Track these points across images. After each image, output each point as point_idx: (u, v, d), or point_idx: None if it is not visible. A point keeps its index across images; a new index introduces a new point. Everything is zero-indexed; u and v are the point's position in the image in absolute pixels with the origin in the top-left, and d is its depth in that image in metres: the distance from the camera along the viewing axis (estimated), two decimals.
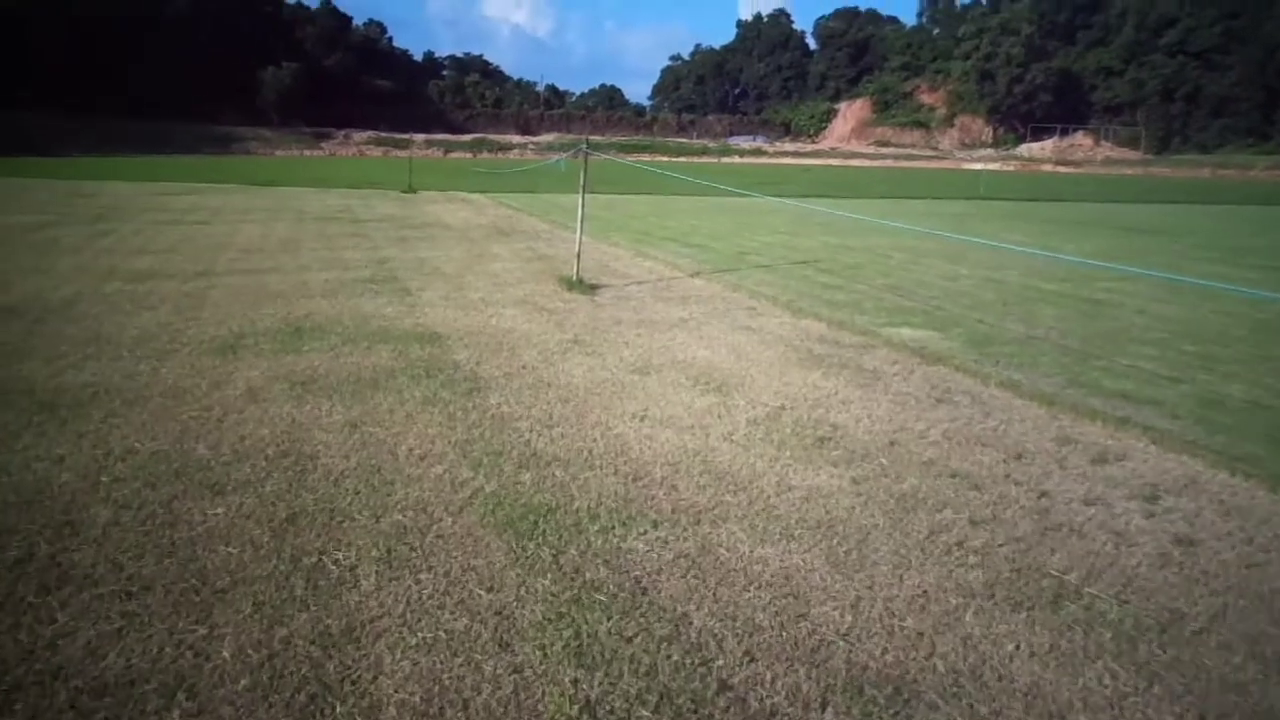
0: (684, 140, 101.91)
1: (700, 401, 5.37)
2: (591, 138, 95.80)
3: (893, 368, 6.29)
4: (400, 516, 3.71)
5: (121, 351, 6.26)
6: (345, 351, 6.40)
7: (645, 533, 3.60)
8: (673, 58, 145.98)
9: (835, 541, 3.56)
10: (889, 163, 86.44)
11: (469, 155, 77.68)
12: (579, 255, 9.29)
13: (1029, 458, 4.53)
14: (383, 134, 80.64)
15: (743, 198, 25.56)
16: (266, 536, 3.49)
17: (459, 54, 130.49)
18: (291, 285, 9.06)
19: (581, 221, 9.20)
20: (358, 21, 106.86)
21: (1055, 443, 4.77)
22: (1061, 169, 77.81)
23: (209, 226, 14.63)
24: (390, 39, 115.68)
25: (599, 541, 3.51)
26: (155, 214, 16.81)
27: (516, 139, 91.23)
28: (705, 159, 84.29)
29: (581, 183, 9.07)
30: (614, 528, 3.64)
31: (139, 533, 3.50)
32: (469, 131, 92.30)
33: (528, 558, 3.37)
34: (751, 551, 3.46)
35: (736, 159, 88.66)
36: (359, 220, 16.51)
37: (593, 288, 9.14)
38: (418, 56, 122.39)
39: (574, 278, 9.23)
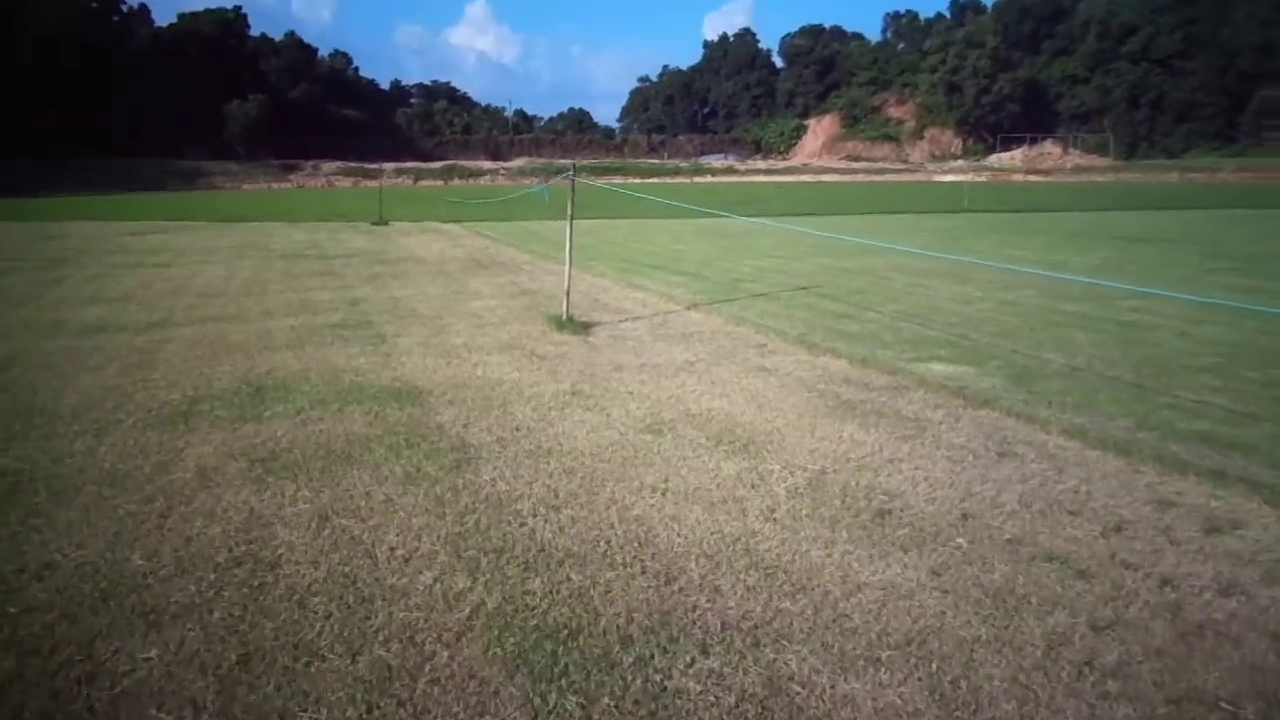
0: (655, 161, 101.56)
1: (727, 467, 4.64)
2: (562, 161, 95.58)
3: (936, 414, 5.57)
4: (383, 652, 2.94)
5: (56, 426, 5.45)
6: (313, 416, 5.62)
7: (693, 663, 2.85)
8: (641, 79, 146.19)
9: (934, 666, 2.82)
10: (861, 177, 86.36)
11: (440, 183, 76.83)
12: (569, 291, 8.54)
13: (1130, 529, 3.82)
14: (351, 164, 79.59)
15: (724, 219, 24.96)
16: (210, 693, 2.72)
17: (426, 82, 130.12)
18: (254, 335, 8.26)
19: (571, 254, 8.46)
20: (323, 53, 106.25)
21: (1153, 507, 4.06)
22: (1033, 178, 77.91)
23: (169, 269, 13.78)
24: (356, 69, 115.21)
25: (637, 681, 2.75)
26: (115, 256, 15.94)
27: (487, 165, 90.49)
28: (678, 179, 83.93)
29: (569, 212, 8.33)
30: (653, 656, 2.89)
31: (44, 695, 2.72)
32: (439, 159, 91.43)
33: (550, 713, 2.61)
34: (833, 687, 2.72)
35: (709, 178, 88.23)
36: (328, 257, 15.70)
37: (585, 326, 8.39)
38: (385, 85, 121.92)
39: (564, 316, 8.49)
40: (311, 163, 78.88)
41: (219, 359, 7.28)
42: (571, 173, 8.26)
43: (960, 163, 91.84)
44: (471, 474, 4.56)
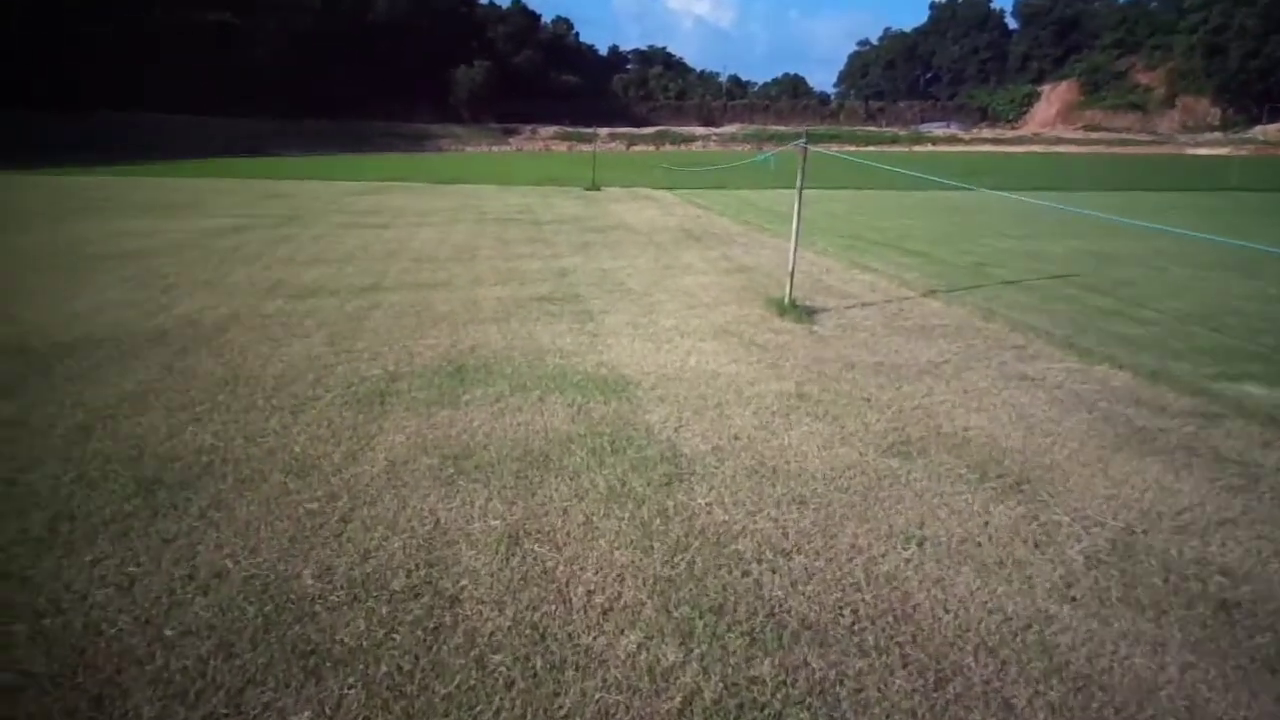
0: (872, 129, 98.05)
1: (999, 513, 3.72)
2: (775, 127, 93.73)
3: (1269, 456, 4.37)
4: None
5: (256, 398, 5.23)
6: (512, 404, 5.12)
7: None
8: (860, 43, 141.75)
9: None
10: (1100, 149, 79.75)
11: (651, 148, 77.20)
12: (792, 273, 7.70)
13: None
14: (567, 128, 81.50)
15: (952, 192, 23.16)
16: None
17: (643, 47, 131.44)
18: (460, 304, 7.97)
19: (797, 231, 7.61)
20: (546, 19, 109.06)
21: None
22: None
23: (387, 231, 13.98)
24: (577, 35, 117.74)
25: None
26: (338, 216, 16.46)
27: (699, 131, 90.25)
28: (895, 148, 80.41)
29: (798, 183, 7.46)
30: None
31: None
32: (651, 124, 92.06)
33: None
34: None
35: (930, 147, 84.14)
36: (539, 222, 15.52)
37: (809, 312, 7.54)
38: (603, 51, 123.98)
39: (785, 300, 7.67)
40: (530, 127, 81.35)
41: (424, 330, 6.99)
42: (803, 140, 7.38)
43: (1217, 135, 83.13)
44: (684, 494, 3.89)
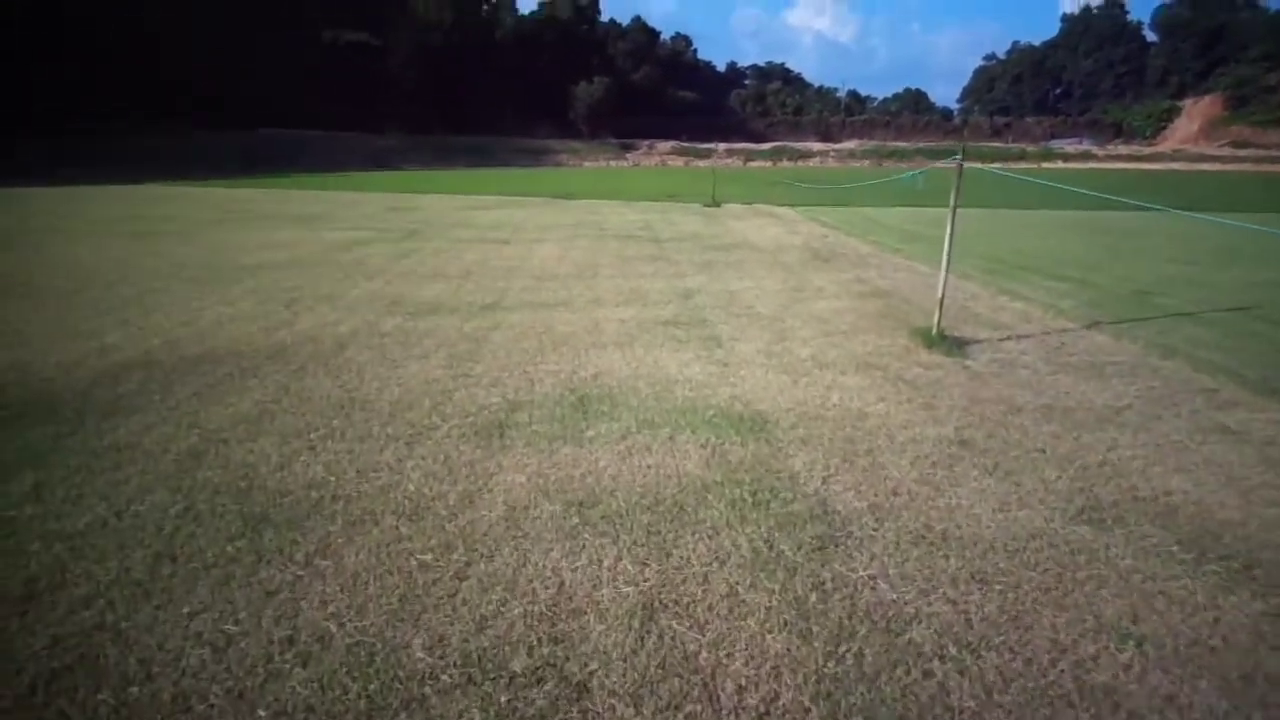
0: (998, 144, 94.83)
1: (1231, 607, 3.07)
2: (895, 144, 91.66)
3: None
4: None
5: (371, 426, 4.94)
6: (639, 442, 4.68)
7: None
8: (986, 57, 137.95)
9: None
10: (1248, 167, 74.98)
11: (769, 164, 76.40)
12: (942, 301, 7.04)
13: None
14: (685, 144, 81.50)
15: (1094, 212, 21.83)
16: None
17: (761, 63, 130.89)
18: (582, 326, 7.61)
19: (949, 255, 6.96)
20: (665, 36, 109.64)
21: None
22: None
23: (507, 247, 13.81)
24: (695, 51, 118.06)
25: None
26: (460, 231, 16.46)
27: (817, 146, 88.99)
28: (1023, 164, 77.30)
29: (952, 202, 6.80)
30: None
31: None
32: (769, 140, 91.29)
33: None
34: None
35: (1060, 164, 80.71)
36: (659, 239, 15.13)
37: (959, 344, 6.88)
38: (721, 67, 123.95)
39: (932, 330, 7.03)
40: (648, 142, 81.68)
41: (544, 354, 6.64)
42: (959, 156, 6.74)
43: None
44: (841, 563, 3.36)
